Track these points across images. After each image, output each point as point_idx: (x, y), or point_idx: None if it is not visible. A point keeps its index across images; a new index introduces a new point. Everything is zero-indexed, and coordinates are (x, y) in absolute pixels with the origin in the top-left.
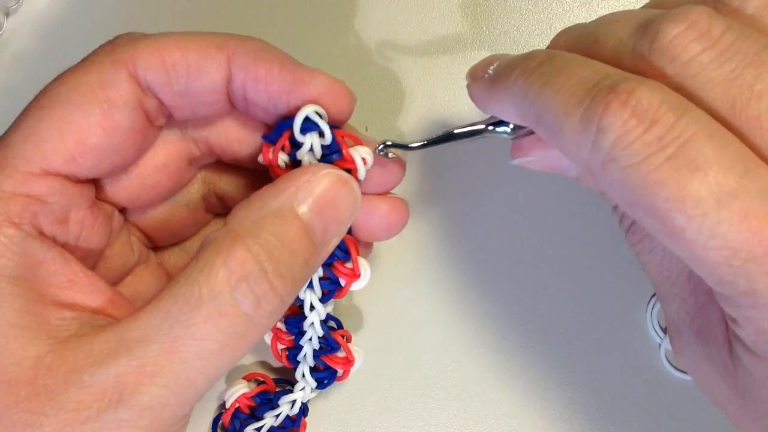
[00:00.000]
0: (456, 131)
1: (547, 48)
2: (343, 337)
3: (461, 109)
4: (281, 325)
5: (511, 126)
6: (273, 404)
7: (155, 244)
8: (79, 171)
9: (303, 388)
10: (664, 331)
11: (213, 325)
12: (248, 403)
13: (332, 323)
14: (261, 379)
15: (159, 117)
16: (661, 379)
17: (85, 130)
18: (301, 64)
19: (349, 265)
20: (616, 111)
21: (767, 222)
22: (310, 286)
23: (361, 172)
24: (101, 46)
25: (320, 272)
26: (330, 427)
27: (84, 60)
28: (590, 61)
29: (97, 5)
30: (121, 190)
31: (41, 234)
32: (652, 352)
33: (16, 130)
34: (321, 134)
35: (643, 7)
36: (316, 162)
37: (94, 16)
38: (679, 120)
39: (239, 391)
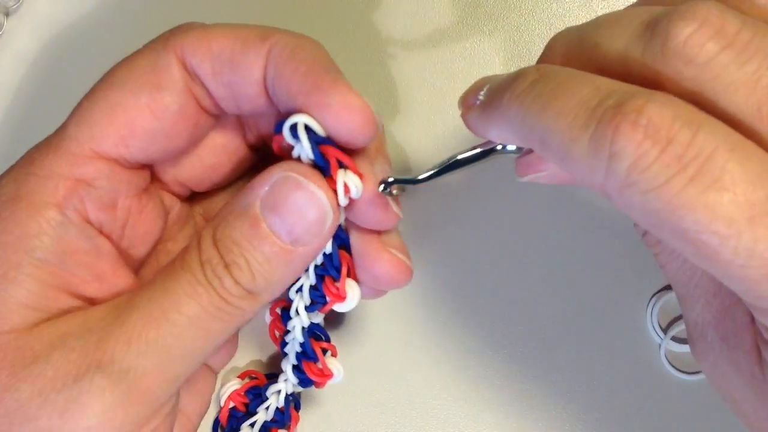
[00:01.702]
0: (461, 157)
1: (540, 57)
2: (325, 351)
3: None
4: (279, 311)
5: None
6: (263, 397)
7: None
8: (128, 154)
9: (287, 380)
10: (664, 331)
11: (191, 293)
12: (242, 399)
13: (319, 333)
14: (254, 376)
15: (211, 105)
16: (661, 379)
17: (134, 112)
18: (334, 71)
19: (338, 284)
20: (628, 133)
21: None
22: (300, 290)
23: (341, 198)
24: (162, 33)
25: (312, 281)
26: (330, 427)
27: (144, 46)
28: (588, 76)
29: (98, 5)
30: (180, 173)
31: (86, 221)
32: (652, 352)
33: (74, 114)
34: (318, 143)
35: (636, 4)
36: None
37: (94, 16)
38: (696, 136)
39: (231, 387)
